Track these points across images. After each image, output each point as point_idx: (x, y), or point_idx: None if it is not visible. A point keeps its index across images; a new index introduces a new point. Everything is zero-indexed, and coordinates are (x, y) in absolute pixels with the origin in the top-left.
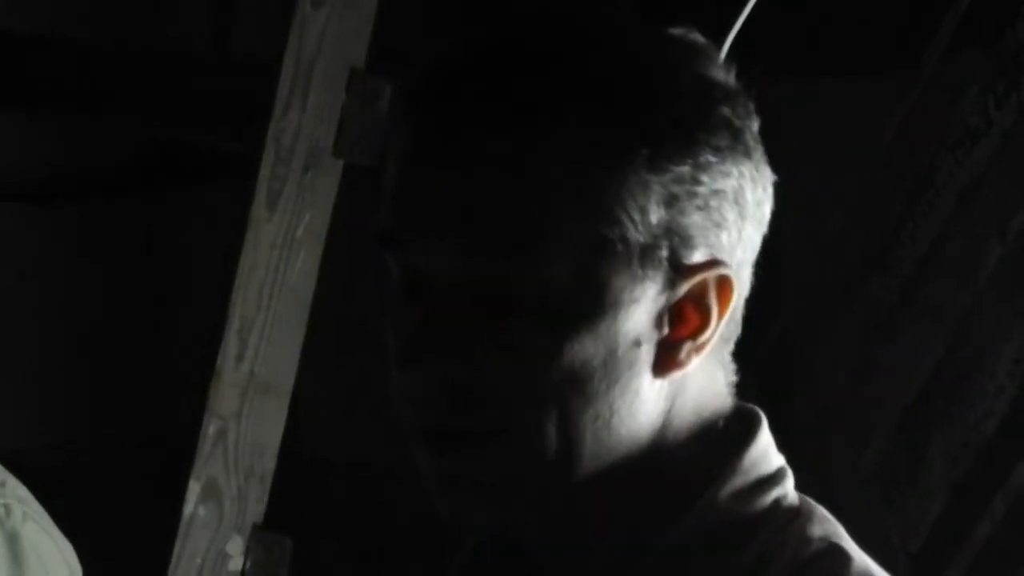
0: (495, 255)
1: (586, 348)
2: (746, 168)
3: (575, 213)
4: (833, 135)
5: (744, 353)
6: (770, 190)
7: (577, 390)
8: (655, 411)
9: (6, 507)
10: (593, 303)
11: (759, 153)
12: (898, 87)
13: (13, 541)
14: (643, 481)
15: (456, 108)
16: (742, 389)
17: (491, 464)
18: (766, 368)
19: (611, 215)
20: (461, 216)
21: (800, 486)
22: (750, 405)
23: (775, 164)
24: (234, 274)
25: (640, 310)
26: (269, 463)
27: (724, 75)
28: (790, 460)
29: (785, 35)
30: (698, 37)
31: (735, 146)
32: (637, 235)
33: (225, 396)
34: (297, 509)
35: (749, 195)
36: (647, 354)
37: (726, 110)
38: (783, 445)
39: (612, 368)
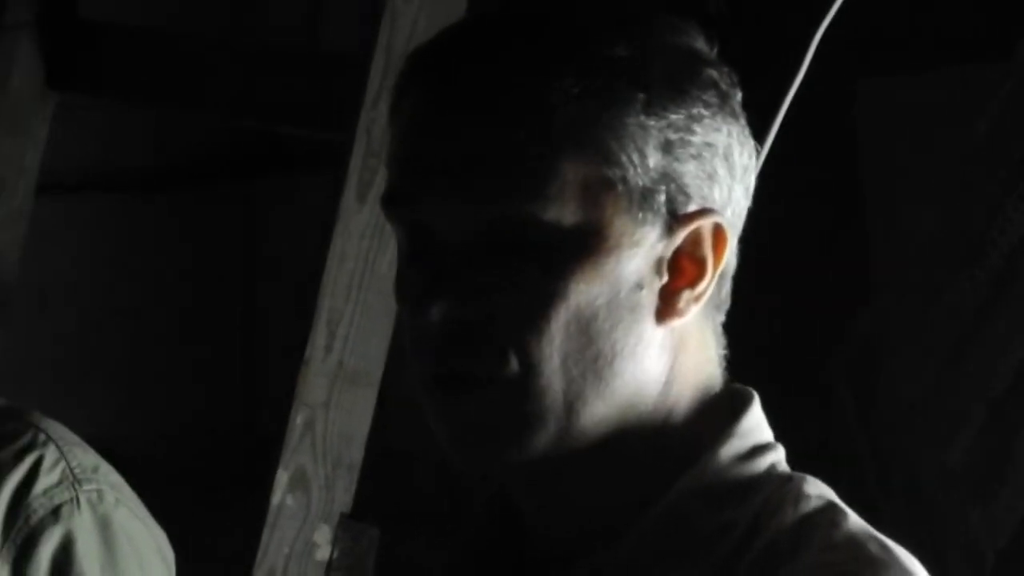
0: (501, 199)
1: (591, 288)
2: (734, 129)
3: (578, 155)
4: (924, 129)
5: (831, 349)
6: (754, 160)
7: (582, 329)
8: (659, 363)
9: (99, 492)
10: (596, 243)
11: (744, 121)
12: (990, 80)
13: (105, 526)
14: (647, 439)
15: (458, 63)
16: (826, 388)
17: (501, 406)
18: (854, 364)
19: (612, 156)
20: (466, 164)
21: (886, 482)
22: (742, 385)
23: (866, 159)
24: (323, 265)
25: (641, 254)
26: (357, 453)
27: (707, 47)
28: (876, 454)
29: (875, 31)
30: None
31: (723, 106)
32: (637, 177)
33: (314, 386)
34: (383, 499)
35: (737, 156)
36: (648, 300)
37: (713, 73)
38: (869, 439)
39: (615, 309)
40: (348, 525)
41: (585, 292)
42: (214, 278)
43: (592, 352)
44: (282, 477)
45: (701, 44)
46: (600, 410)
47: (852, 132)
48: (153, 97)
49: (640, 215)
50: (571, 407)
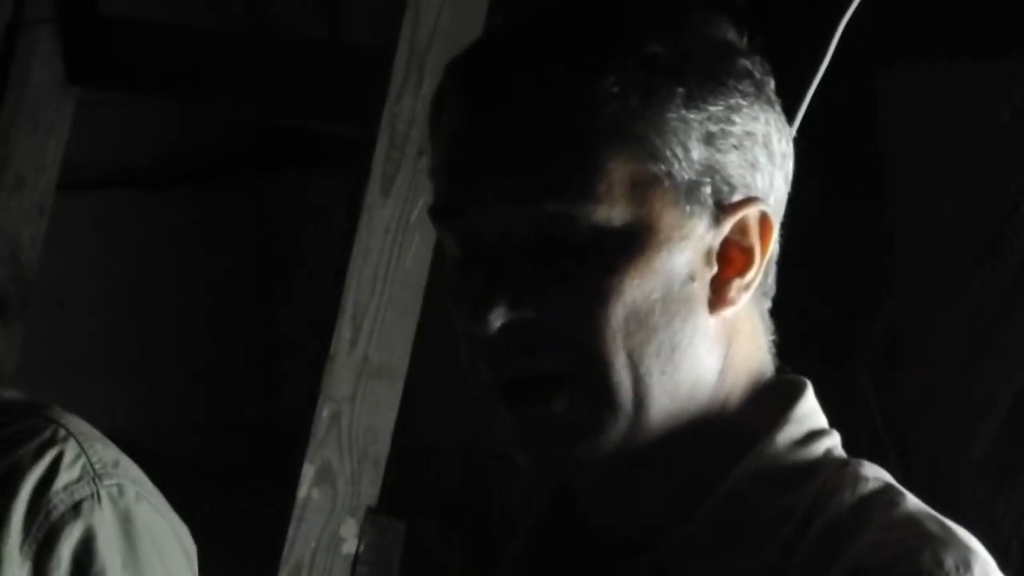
0: (550, 201)
1: (645, 283)
2: (771, 117)
3: (624, 154)
4: (943, 120)
5: (854, 337)
6: (791, 147)
7: (640, 324)
8: (714, 353)
9: (120, 487)
10: (647, 239)
11: (779, 108)
12: (1013, 72)
13: (127, 520)
14: (705, 428)
15: (501, 72)
16: (851, 374)
17: (571, 406)
18: (876, 357)
19: (657, 152)
20: (514, 168)
21: (910, 472)
22: (793, 372)
23: (892, 147)
24: (348, 259)
25: (690, 247)
26: (383, 447)
27: (738, 38)
28: (899, 445)
29: (898, 21)
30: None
31: (759, 95)
32: (682, 171)
33: (339, 380)
34: (408, 494)
35: (776, 144)
36: (701, 291)
37: (746, 62)
38: (891, 430)
39: (670, 302)
40: (374, 519)
41: (640, 287)
42: (235, 272)
43: (654, 346)
44: (308, 471)
45: (732, 35)
46: (664, 403)
47: (874, 124)
48: (173, 92)
49: (687, 208)
50: (640, 403)
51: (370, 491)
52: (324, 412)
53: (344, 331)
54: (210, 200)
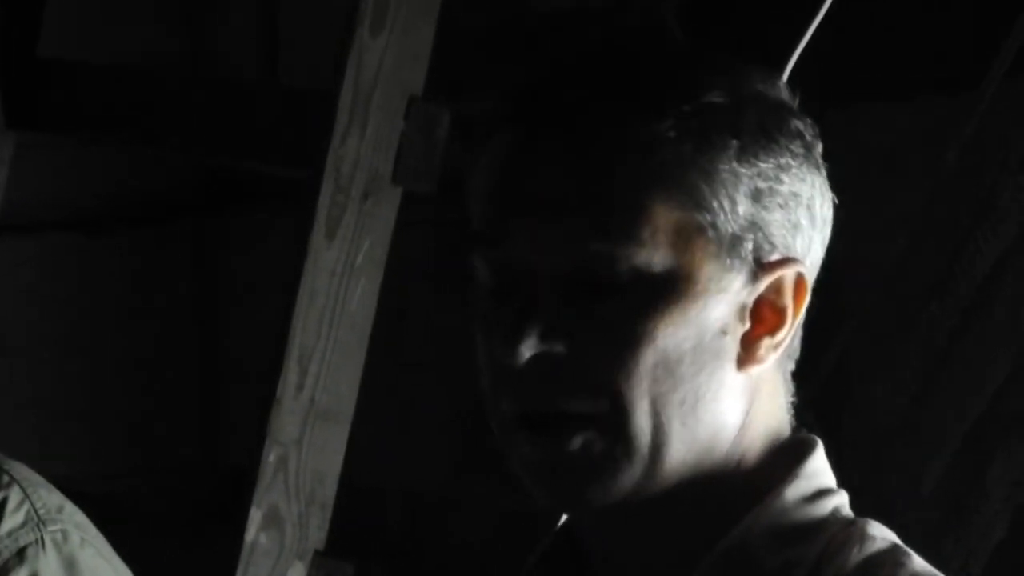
0: (593, 240)
1: (678, 331)
2: (817, 181)
3: (672, 199)
4: (894, 159)
5: (801, 377)
6: (832, 213)
7: (668, 372)
8: (736, 409)
9: (64, 532)
10: (685, 288)
11: (825, 173)
12: (959, 111)
13: (71, 565)
14: (718, 483)
15: (558, 101)
16: (799, 414)
17: (590, 446)
18: (824, 393)
19: (704, 202)
20: (560, 203)
21: (858, 511)
22: (806, 432)
23: (835, 188)
24: (293, 302)
25: (726, 301)
26: (330, 490)
27: (791, 98)
28: (847, 485)
29: (847, 61)
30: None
31: (808, 157)
32: (727, 224)
33: (286, 423)
34: (356, 536)
35: (819, 208)
36: (731, 346)
37: (799, 124)
38: (838, 469)
39: (700, 354)
40: (322, 562)
41: (672, 335)
42: (176, 316)
43: (678, 396)
44: (255, 515)
45: (786, 95)
46: (681, 454)
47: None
48: (115, 135)
49: (728, 261)
50: (657, 450)
51: (318, 534)
52: (271, 456)
53: (290, 375)
54: (151, 243)
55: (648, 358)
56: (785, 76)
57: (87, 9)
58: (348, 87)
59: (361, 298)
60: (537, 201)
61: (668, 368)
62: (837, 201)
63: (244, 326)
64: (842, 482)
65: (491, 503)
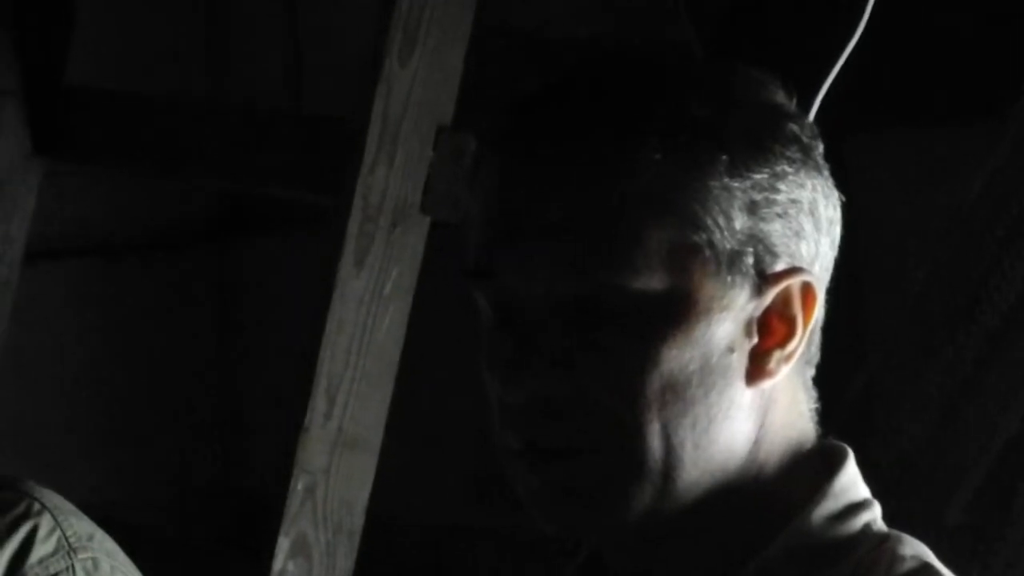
0: (590, 269)
1: (683, 354)
2: (818, 183)
3: (664, 222)
4: (920, 187)
5: (826, 406)
6: (839, 211)
7: (676, 395)
8: (749, 424)
9: (94, 560)
10: (687, 309)
11: (827, 172)
12: (986, 139)
13: None
14: (737, 499)
15: (540, 133)
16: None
17: (599, 473)
18: (849, 421)
19: (698, 221)
20: (552, 234)
21: None
22: (836, 440)
23: (863, 215)
24: (321, 331)
25: (731, 317)
26: (358, 519)
27: (787, 100)
28: None
29: (867, 89)
30: (758, 70)
31: (806, 160)
32: (724, 241)
33: (313, 452)
34: (381, 565)
35: (822, 209)
36: (739, 362)
37: (794, 127)
38: None
39: (708, 374)
40: None
41: (677, 358)
42: (197, 342)
43: (690, 419)
44: (283, 543)
45: (781, 97)
46: (694, 476)
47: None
48: (141, 163)
49: (728, 278)
50: (668, 474)
51: (345, 563)
52: (299, 484)
53: (318, 403)
54: (175, 269)
55: (655, 383)
56: (819, 98)
57: (113, 38)
58: (377, 116)
59: (389, 327)
60: (525, 234)
61: (676, 392)
62: (844, 199)
63: (264, 353)
64: None
65: (514, 533)
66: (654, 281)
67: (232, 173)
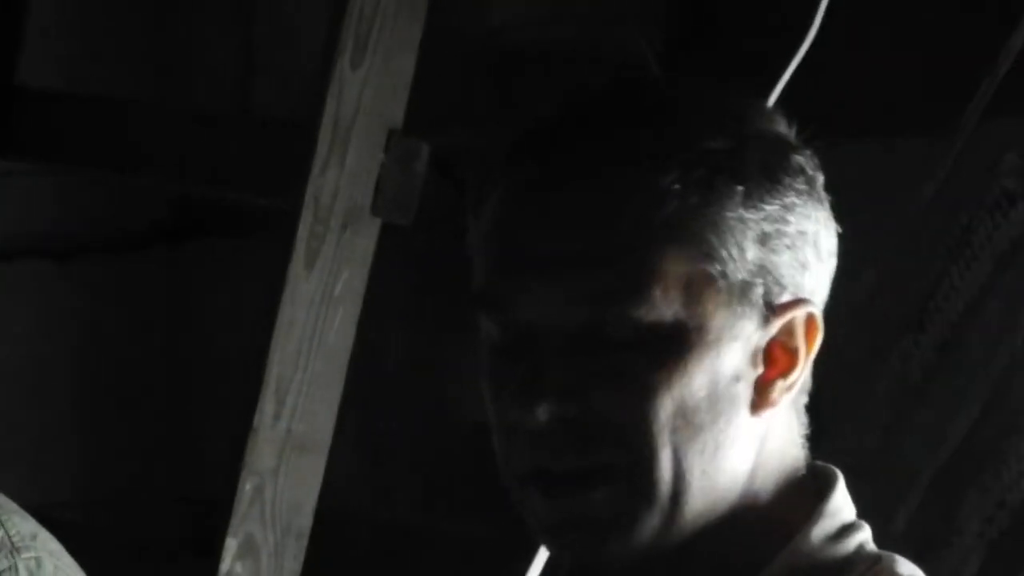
0: (607, 301)
1: (693, 381)
2: (821, 215)
3: (682, 254)
4: (869, 197)
5: None
6: (836, 243)
7: (687, 420)
8: (749, 450)
9: (37, 560)
10: (698, 338)
11: (828, 204)
12: (936, 150)
13: None
14: (738, 523)
15: (556, 163)
16: None
17: (609, 500)
18: None
19: (713, 252)
20: (567, 262)
21: None
22: (824, 463)
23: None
24: (271, 332)
25: (739, 347)
26: (306, 520)
27: (789, 130)
28: None
29: (821, 99)
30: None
31: (811, 192)
32: (736, 272)
33: (262, 453)
34: (329, 566)
35: (824, 242)
36: (745, 391)
37: (800, 159)
38: None
39: (716, 402)
40: None
41: (688, 385)
42: (144, 343)
43: (699, 445)
44: (231, 544)
45: (785, 128)
46: (700, 502)
47: None
48: (91, 164)
49: (739, 308)
50: (676, 500)
51: (293, 565)
52: (247, 485)
53: (267, 405)
54: (127, 271)
55: (667, 407)
56: (772, 101)
57: (65, 39)
58: (328, 119)
59: (339, 329)
60: (541, 264)
61: (686, 417)
62: (840, 231)
63: (217, 355)
64: None
65: (464, 536)
66: (669, 312)
67: (183, 175)
